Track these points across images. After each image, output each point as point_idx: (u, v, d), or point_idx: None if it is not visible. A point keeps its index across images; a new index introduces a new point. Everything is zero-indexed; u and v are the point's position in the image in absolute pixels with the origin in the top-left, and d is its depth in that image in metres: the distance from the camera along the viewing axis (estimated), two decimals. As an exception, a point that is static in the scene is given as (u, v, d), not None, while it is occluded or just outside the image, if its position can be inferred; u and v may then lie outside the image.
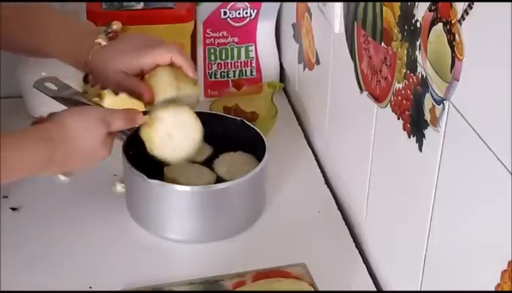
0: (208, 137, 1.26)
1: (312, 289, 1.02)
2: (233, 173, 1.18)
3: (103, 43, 1.07)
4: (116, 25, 1.11)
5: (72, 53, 1.09)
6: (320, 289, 1.02)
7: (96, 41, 1.07)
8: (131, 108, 1.02)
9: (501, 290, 0.72)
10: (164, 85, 1.06)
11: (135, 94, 1.05)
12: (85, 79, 1.10)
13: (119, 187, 1.24)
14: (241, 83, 1.53)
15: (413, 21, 0.88)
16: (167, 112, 1.04)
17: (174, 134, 1.05)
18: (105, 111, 1.01)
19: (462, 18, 0.76)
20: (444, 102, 0.82)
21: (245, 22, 1.50)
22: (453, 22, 0.78)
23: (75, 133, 0.97)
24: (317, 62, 1.32)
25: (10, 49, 1.14)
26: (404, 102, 0.93)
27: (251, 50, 1.53)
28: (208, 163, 1.22)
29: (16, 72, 1.39)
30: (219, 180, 1.15)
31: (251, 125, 1.22)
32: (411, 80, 0.91)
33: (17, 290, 1.04)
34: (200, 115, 1.27)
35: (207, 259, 1.11)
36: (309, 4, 1.32)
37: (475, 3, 0.73)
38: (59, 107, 1.17)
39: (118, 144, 1.12)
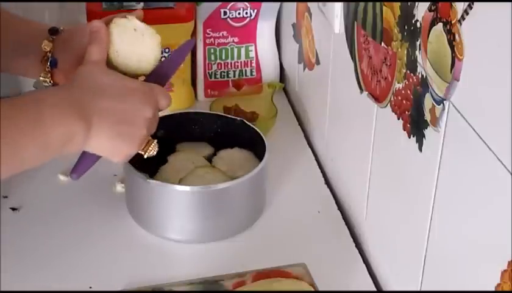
0: (208, 137, 1.26)
1: (312, 289, 1.02)
2: (233, 170, 1.19)
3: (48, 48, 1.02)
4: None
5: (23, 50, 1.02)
6: (320, 289, 1.03)
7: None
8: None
9: (501, 290, 0.72)
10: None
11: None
12: (52, 63, 1.02)
13: (119, 187, 1.24)
14: (241, 83, 1.53)
15: (413, 21, 0.88)
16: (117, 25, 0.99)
17: (121, 50, 0.99)
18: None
19: (462, 18, 0.76)
20: (444, 102, 0.82)
21: (245, 22, 1.50)
22: (453, 22, 0.78)
23: (88, 74, 0.90)
24: (317, 62, 1.32)
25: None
26: (404, 102, 0.93)
27: (251, 50, 1.53)
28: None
29: (16, 72, 1.39)
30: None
31: (251, 125, 1.23)
32: (411, 80, 0.91)
33: (17, 290, 1.04)
34: (200, 115, 1.28)
35: (207, 259, 1.11)
36: (309, 4, 1.32)
37: (475, 3, 0.73)
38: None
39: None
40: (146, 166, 1.11)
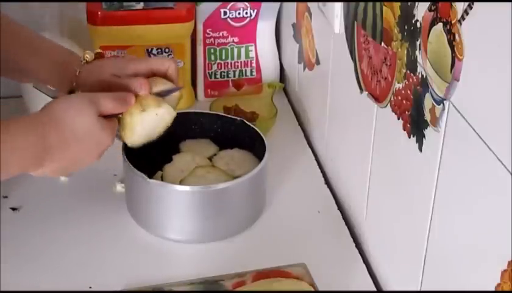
0: (208, 137, 1.26)
1: (312, 289, 1.02)
2: (233, 169, 1.19)
3: (90, 57, 1.07)
4: (100, 50, 1.10)
5: (58, 72, 1.07)
6: (320, 289, 1.03)
7: (84, 55, 1.07)
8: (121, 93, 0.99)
9: (501, 290, 0.72)
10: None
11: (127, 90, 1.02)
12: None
13: (119, 187, 1.24)
14: (241, 83, 1.53)
15: (413, 21, 0.88)
16: (157, 104, 1.01)
17: (147, 126, 1.02)
18: (92, 93, 0.97)
19: (462, 18, 0.76)
20: (444, 102, 0.82)
21: (245, 22, 1.50)
22: (453, 22, 0.78)
23: (65, 116, 0.93)
24: (317, 62, 1.32)
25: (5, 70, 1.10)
26: (404, 102, 0.93)
27: (251, 50, 1.53)
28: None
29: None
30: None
31: (251, 125, 1.23)
32: (411, 80, 0.91)
33: (17, 290, 1.04)
34: (200, 115, 1.28)
35: (207, 259, 1.11)
36: (309, 4, 1.32)
37: (475, 3, 0.73)
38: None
39: (118, 144, 1.11)
40: (149, 165, 1.12)
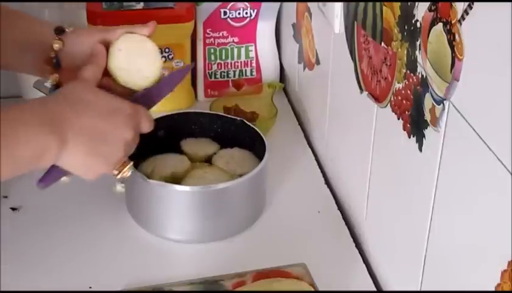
0: (208, 137, 1.26)
1: (312, 289, 1.02)
2: (232, 168, 1.19)
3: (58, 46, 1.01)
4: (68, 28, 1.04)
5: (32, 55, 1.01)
6: (320, 289, 1.02)
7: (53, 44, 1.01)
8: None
9: (501, 290, 0.72)
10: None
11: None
12: (54, 64, 1.01)
13: (119, 187, 1.23)
14: (241, 83, 1.53)
15: (413, 21, 0.88)
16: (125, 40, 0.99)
17: (135, 61, 1.00)
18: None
19: (462, 18, 0.76)
20: (444, 102, 0.82)
21: (245, 22, 1.50)
22: (453, 22, 0.78)
23: (85, 95, 0.88)
24: (317, 62, 1.32)
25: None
26: (404, 102, 0.93)
27: (251, 50, 1.53)
28: (207, 161, 1.23)
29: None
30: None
31: (251, 125, 1.23)
32: (411, 80, 0.91)
33: (17, 290, 1.04)
34: (200, 115, 1.28)
35: (207, 259, 1.11)
36: (309, 4, 1.32)
37: (475, 3, 0.73)
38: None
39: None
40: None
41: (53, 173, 0.93)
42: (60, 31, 1.01)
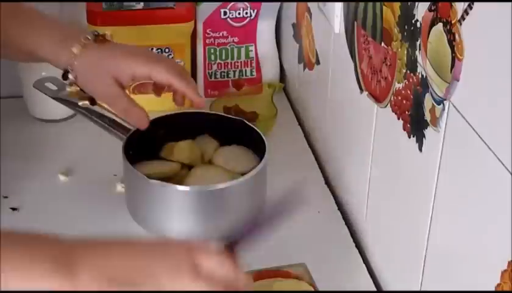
0: (208, 136, 1.26)
1: (312, 289, 1.02)
2: (232, 166, 1.19)
3: (91, 40, 1.02)
4: (107, 32, 1.07)
5: (57, 51, 1.03)
6: (320, 289, 1.02)
7: (84, 36, 1.02)
8: None
9: (501, 290, 0.72)
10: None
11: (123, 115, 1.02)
12: (64, 76, 1.04)
13: (119, 187, 1.24)
14: (241, 83, 1.53)
15: (413, 21, 0.88)
16: None
17: None
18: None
19: (462, 18, 0.76)
20: (444, 102, 0.82)
21: (245, 22, 1.50)
22: (453, 22, 0.78)
23: None
24: (317, 62, 1.32)
25: (8, 53, 1.09)
26: (404, 102, 0.93)
27: (251, 50, 1.53)
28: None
29: (16, 72, 1.39)
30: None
31: (251, 125, 1.22)
32: (411, 80, 0.91)
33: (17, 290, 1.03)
34: (200, 115, 1.28)
35: (207, 259, 1.11)
36: (309, 4, 1.32)
37: (475, 3, 0.73)
38: (59, 106, 1.17)
39: (118, 144, 1.11)
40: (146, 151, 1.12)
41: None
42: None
